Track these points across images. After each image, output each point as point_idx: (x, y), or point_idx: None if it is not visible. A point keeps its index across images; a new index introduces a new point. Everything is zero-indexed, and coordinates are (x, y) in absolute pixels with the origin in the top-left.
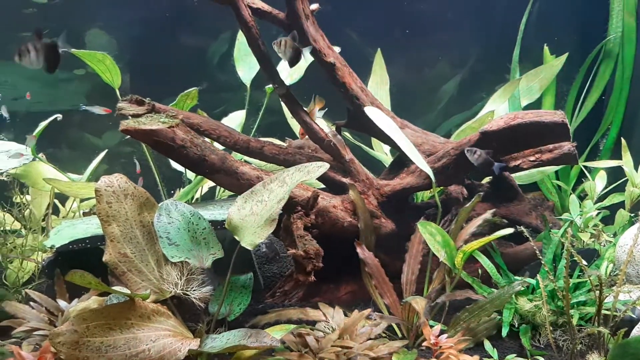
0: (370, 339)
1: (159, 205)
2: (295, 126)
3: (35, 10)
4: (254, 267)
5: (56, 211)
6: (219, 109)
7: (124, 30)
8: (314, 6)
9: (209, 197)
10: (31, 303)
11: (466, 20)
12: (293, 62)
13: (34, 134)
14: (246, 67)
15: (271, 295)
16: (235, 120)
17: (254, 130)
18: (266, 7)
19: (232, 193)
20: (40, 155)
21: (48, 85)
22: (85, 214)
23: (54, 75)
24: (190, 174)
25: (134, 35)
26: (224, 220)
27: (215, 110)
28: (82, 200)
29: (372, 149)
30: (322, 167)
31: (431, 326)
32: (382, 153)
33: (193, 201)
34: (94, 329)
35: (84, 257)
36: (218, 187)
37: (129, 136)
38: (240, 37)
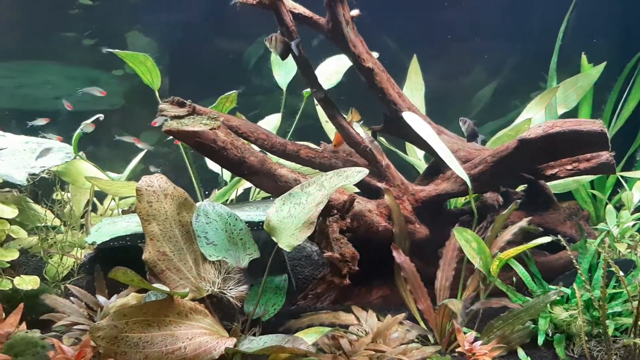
0: (403, 343)
1: (197, 205)
2: (330, 130)
3: (79, 11)
4: (287, 268)
5: (94, 209)
6: (253, 111)
7: (163, 32)
8: (355, 12)
9: (243, 199)
10: (71, 298)
11: (502, 27)
12: (283, 55)
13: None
14: (283, 71)
15: (303, 297)
16: (271, 123)
17: (289, 133)
18: (307, 12)
19: (267, 195)
20: (80, 153)
21: (88, 85)
22: (124, 212)
23: (95, 76)
24: (226, 176)
25: (173, 37)
26: (260, 222)
27: (249, 113)
28: (120, 198)
29: (406, 153)
30: (361, 173)
31: (464, 333)
32: (416, 158)
33: (228, 202)
34: (133, 324)
35: (122, 254)
36: (253, 189)
37: (170, 137)
38: None
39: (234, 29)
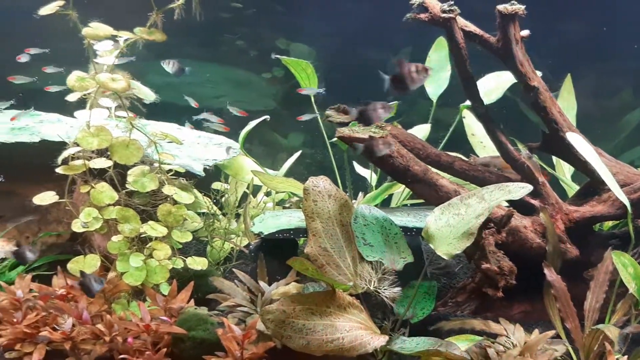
0: None
1: (356, 208)
2: (475, 144)
3: (230, 16)
4: (427, 275)
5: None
6: (397, 120)
7: (319, 40)
8: (525, 32)
9: (385, 204)
10: (236, 281)
11: None
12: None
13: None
14: (435, 83)
15: (443, 304)
16: (420, 132)
17: (441, 145)
18: (478, 30)
19: (410, 201)
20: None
21: (240, 87)
22: (284, 207)
23: (247, 78)
24: (373, 180)
25: (328, 46)
26: (413, 228)
27: (391, 121)
28: (269, 194)
29: (554, 169)
30: (525, 189)
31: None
32: (564, 176)
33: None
34: (299, 311)
35: (278, 246)
36: (396, 195)
37: (337, 140)
38: (432, 55)
39: (379, 39)
